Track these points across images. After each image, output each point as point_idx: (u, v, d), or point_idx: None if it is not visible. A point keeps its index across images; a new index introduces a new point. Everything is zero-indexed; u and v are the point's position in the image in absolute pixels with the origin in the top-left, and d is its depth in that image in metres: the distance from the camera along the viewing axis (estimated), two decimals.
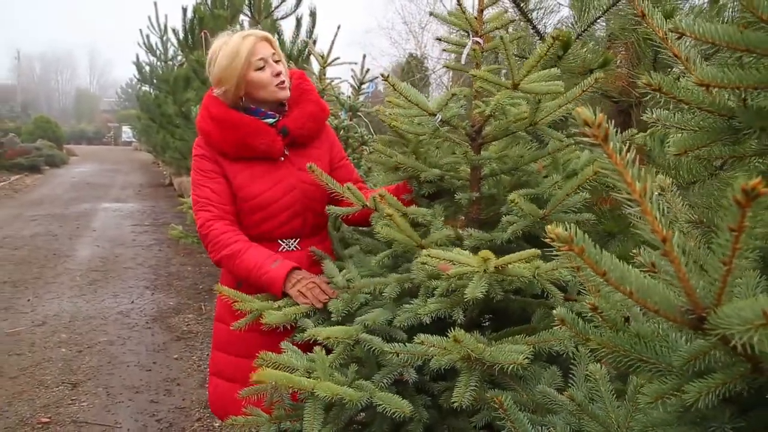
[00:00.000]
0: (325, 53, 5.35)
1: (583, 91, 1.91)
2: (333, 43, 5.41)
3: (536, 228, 2.01)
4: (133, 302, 6.93)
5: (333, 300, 2.13)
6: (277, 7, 7.54)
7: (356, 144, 4.52)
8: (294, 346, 1.95)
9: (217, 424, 4.03)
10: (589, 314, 0.92)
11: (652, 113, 1.20)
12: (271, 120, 2.44)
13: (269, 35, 2.45)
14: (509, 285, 1.74)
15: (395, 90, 2.04)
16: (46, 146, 25.64)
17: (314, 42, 7.28)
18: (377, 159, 2.48)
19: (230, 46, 2.36)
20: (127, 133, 43.79)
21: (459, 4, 2.18)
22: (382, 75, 2.01)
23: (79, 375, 4.89)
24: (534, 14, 3.05)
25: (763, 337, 0.64)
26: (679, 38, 0.97)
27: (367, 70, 4.90)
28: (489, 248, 2.06)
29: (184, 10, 9.17)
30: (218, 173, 2.40)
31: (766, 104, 0.84)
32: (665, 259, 0.69)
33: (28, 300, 6.89)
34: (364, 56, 4.96)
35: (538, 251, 1.65)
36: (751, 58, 0.84)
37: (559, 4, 3.19)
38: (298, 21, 7.67)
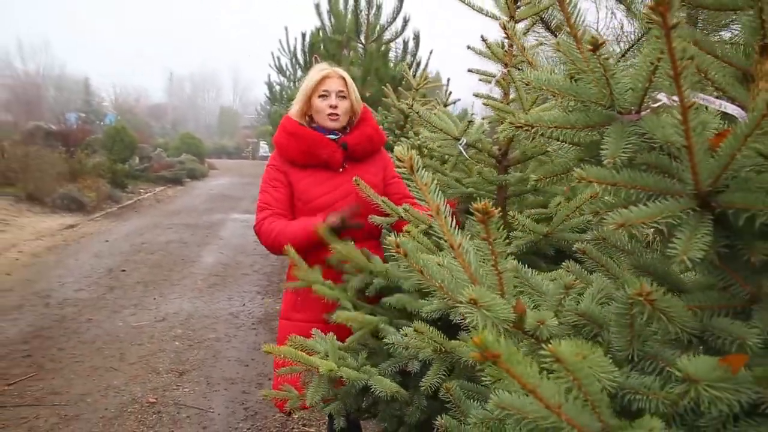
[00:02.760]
0: (418, 77, 5.70)
1: None
2: (426, 65, 5.77)
3: (543, 244, 2.22)
4: (244, 305, 7.55)
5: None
6: (384, 31, 7.97)
7: None
8: (321, 332, 2.27)
9: (296, 415, 4.43)
10: None
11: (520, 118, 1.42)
12: (334, 137, 2.84)
13: (345, 75, 2.85)
14: None
15: (420, 117, 2.33)
16: (188, 160, 27.75)
17: (418, 64, 7.65)
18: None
19: (310, 75, 2.89)
20: (263, 147, 46.27)
21: (484, 40, 2.43)
22: (407, 104, 2.30)
23: (186, 365, 5.47)
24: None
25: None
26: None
27: (450, 93, 5.17)
28: None
29: (304, 36, 9.84)
30: (282, 182, 2.85)
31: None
32: (456, 260, 0.94)
33: (154, 299, 7.67)
34: (448, 80, 5.24)
35: None
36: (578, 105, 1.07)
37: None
38: (405, 44, 8.07)
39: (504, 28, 1.58)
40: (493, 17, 2.45)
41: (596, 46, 0.85)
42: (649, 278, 1.25)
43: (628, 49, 2.59)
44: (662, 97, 1.01)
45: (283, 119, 2.96)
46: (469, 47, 2.62)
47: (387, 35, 8.00)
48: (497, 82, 2.42)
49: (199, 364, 5.53)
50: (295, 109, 2.87)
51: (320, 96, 2.83)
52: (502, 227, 0.86)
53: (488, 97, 2.48)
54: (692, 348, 0.97)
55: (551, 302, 0.93)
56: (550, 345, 0.74)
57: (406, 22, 7.97)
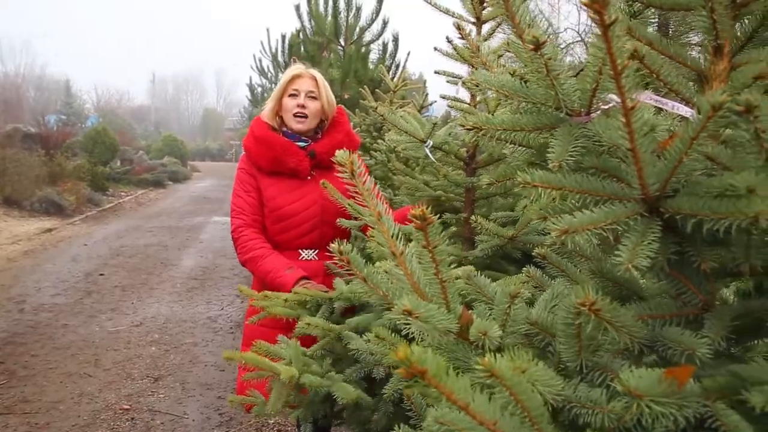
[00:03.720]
0: (396, 79, 5.67)
1: None
2: (404, 68, 5.73)
3: (509, 247, 2.19)
4: (222, 309, 7.47)
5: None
6: (363, 32, 7.94)
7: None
8: (287, 338, 2.23)
9: (272, 421, 4.37)
10: None
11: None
12: (302, 144, 2.79)
13: (317, 75, 2.81)
14: None
15: (386, 120, 2.29)
16: (171, 163, 27.57)
17: (397, 66, 7.62)
18: (399, 179, 2.75)
19: (285, 73, 2.85)
20: None
21: (449, 41, 2.40)
22: (372, 107, 2.26)
23: (161, 370, 5.40)
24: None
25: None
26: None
27: (426, 95, 5.14)
28: (468, 264, 2.26)
29: (283, 38, 9.79)
30: (253, 187, 2.79)
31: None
32: (399, 267, 0.90)
33: (132, 303, 7.58)
34: (425, 81, 5.21)
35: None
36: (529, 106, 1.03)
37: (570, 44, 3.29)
38: (384, 46, 8.04)
39: (458, 28, 1.53)
40: (460, 18, 2.42)
41: (537, 45, 0.82)
42: (609, 284, 1.22)
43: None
44: (613, 98, 0.98)
45: (253, 122, 2.91)
46: (435, 49, 2.58)
47: (367, 37, 7.98)
48: (463, 83, 2.39)
49: (174, 369, 5.46)
50: (267, 109, 2.83)
51: (290, 95, 2.78)
52: (442, 233, 0.83)
53: (454, 99, 2.44)
54: (643, 358, 0.94)
55: (497, 311, 0.90)
56: (484, 359, 0.71)
57: (385, 23, 7.95)
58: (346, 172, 0.90)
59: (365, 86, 6.04)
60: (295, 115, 2.72)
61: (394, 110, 2.26)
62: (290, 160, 2.73)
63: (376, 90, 6.07)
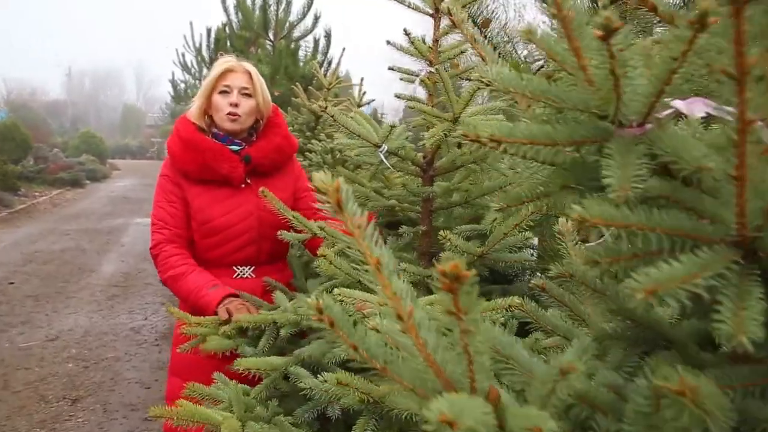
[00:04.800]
0: (330, 76, 5.40)
1: None
2: (338, 64, 5.47)
3: (476, 265, 1.97)
4: (146, 318, 7.03)
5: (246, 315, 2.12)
6: (293, 27, 7.61)
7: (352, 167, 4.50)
8: (225, 377, 1.94)
9: None
10: None
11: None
12: (235, 147, 2.48)
13: (251, 70, 2.49)
14: None
15: (336, 121, 2.03)
16: (89, 161, 26.35)
17: (329, 63, 7.35)
18: None
19: (213, 67, 2.51)
20: None
21: (407, 34, 2.16)
22: (320, 106, 2.00)
23: (80, 391, 4.97)
24: (495, 39, 2.99)
25: None
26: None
27: (364, 93, 4.91)
28: (427, 283, 2.04)
29: (209, 31, 9.36)
30: (177, 197, 2.46)
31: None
32: (406, 336, 0.66)
33: (46, 314, 7.04)
34: (362, 79, 4.97)
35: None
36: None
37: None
38: (316, 42, 7.75)
39: (448, 13, 1.31)
40: (417, 10, 2.19)
41: (610, 30, 0.59)
42: (633, 326, 1.01)
43: None
44: (678, 104, 0.76)
45: (178, 121, 2.56)
46: (389, 42, 2.34)
47: (297, 32, 7.65)
48: (421, 81, 2.17)
49: (95, 389, 5.03)
50: (194, 107, 2.50)
51: (221, 92, 2.45)
52: (476, 291, 0.59)
53: (413, 99, 2.21)
54: None
55: (542, 390, 0.67)
56: None
57: (317, 18, 7.64)
58: (328, 203, 0.65)
59: (297, 83, 5.75)
60: (227, 115, 2.42)
61: (345, 111, 2.01)
62: (222, 167, 2.41)
63: (309, 87, 5.79)
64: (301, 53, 8.15)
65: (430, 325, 0.65)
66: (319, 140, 4.62)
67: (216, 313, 2.25)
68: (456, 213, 2.28)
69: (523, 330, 1.57)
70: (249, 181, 2.49)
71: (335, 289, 1.67)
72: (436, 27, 2.21)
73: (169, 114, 28.90)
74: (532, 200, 0.93)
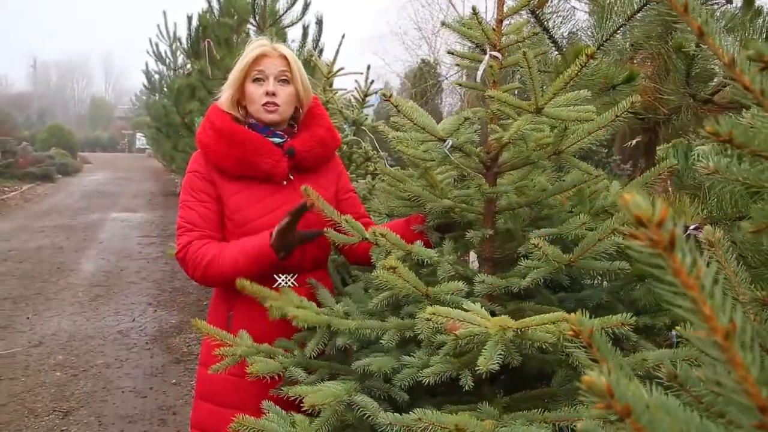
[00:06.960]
0: (330, 63, 5.11)
1: (617, 116, 1.63)
2: (338, 52, 5.17)
3: (559, 275, 1.73)
4: (134, 320, 6.70)
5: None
6: (282, 15, 7.28)
7: (360, 160, 4.24)
8: (276, 407, 1.69)
9: None
10: None
11: (708, 161, 0.92)
12: (277, 140, 2.23)
13: (288, 54, 2.21)
14: (529, 349, 1.46)
15: (399, 112, 1.78)
16: (59, 155, 25.64)
17: (321, 51, 7.05)
18: (383, 186, 2.25)
19: (245, 51, 2.21)
20: (141, 140, 43.80)
21: (474, 12, 1.90)
22: (384, 94, 1.75)
23: (71, 402, 4.65)
24: (550, 22, 2.74)
25: None
26: (764, 69, 0.71)
27: (372, 82, 4.64)
28: (504, 295, 1.80)
29: (189, 19, 8.97)
30: (210, 196, 2.19)
31: None
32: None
33: (27, 318, 6.67)
34: (369, 67, 4.70)
35: (565, 315, 1.36)
36: None
37: (574, 8, 2.88)
38: (305, 29, 7.44)
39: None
40: None
41: None
42: None
43: None
44: None
45: (209, 110, 2.26)
46: (444, 23, 2.08)
47: (286, 20, 7.32)
48: (489, 67, 1.92)
49: (87, 399, 4.71)
50: (224, 97, 2.21)
51: (255, 80, 2.17)
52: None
53: (477, 88, 1.96)
54: None
55: None
56: None
57: (307, 4, 7.31)
58: (652, 242, 0.40)
59: None
60: (263, 105, 2.15)
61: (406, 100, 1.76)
62: (264, 161, 2.14)
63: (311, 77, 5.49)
64: (294, 45, 7.80)
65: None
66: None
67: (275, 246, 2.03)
68: (521, 214, 2.04)
69: None
70: (291, 177, 2.24)
71: (428, 308, 1.41)
72: (500, 6, 1.96)
73: (142, 105, 28.25)
74: None
